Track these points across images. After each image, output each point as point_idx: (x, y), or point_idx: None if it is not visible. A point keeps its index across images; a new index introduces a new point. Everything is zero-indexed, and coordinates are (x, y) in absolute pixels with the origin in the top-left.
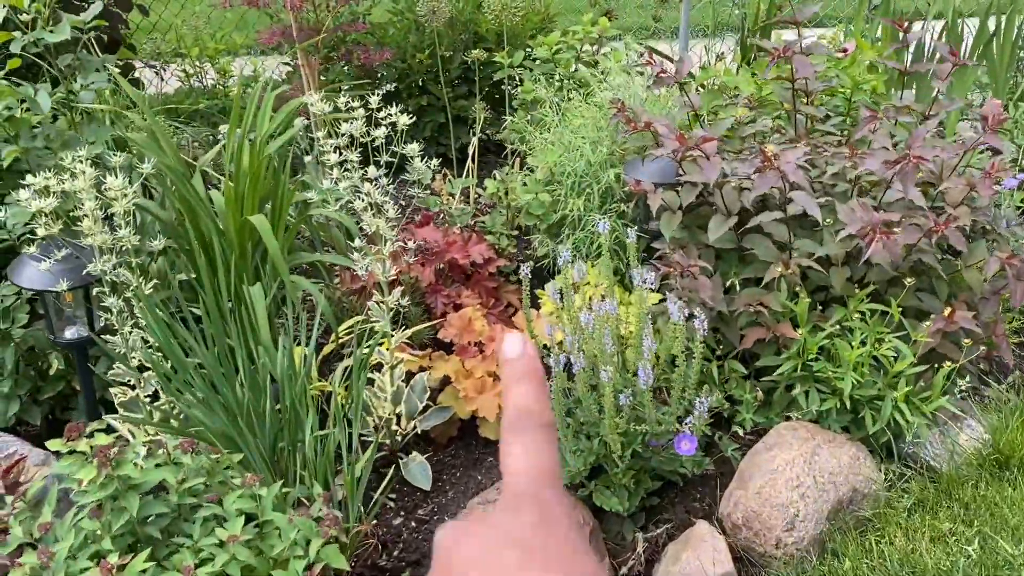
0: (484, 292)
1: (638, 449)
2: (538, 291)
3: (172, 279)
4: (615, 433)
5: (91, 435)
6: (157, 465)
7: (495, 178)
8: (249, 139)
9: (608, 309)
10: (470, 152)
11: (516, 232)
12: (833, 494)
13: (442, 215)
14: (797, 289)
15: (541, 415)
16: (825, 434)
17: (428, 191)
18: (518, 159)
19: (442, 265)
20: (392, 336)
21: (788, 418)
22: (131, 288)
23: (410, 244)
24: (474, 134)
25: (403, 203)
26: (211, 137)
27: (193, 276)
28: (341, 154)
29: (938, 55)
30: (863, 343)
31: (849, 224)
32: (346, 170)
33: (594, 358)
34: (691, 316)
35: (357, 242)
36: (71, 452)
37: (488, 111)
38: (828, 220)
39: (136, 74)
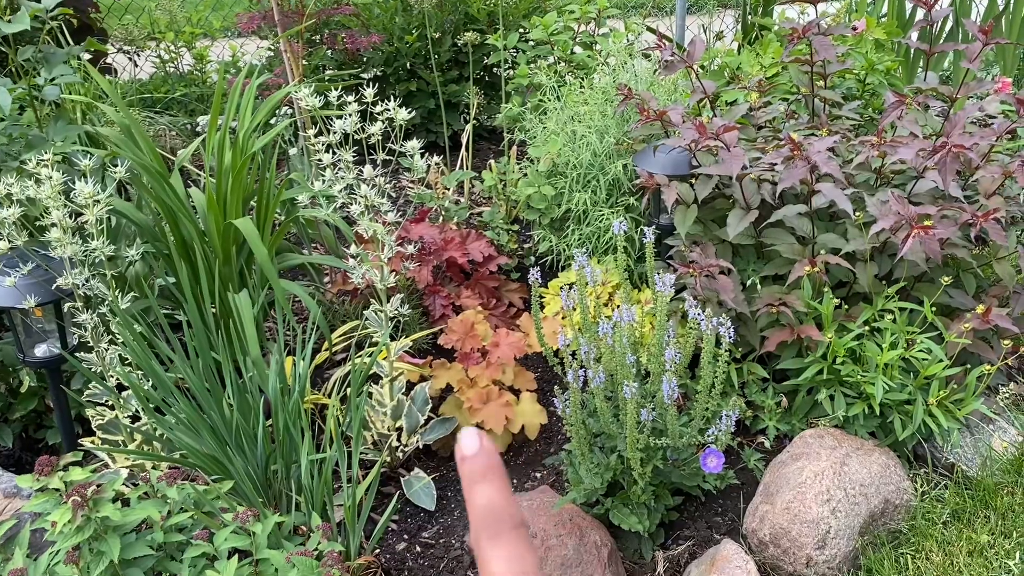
0: (485, 292)
1: (659, 464)
2: (542, 290)
3: (152, 283)
4: (636, 450)
5: (66, 468)
6: (140, 497)
7: (491, 169)
8: (231, 133)
9: (627, 319)
10: (464, 140)
11: (516, 226)
12: (865, 507)
13: (437, 210)
14: (824, 289)
15: (512, 515)
16: (853, 441)
17: (423, 184)
18: (515, 148)
19: (439, 264)
20: (391, 347)
21: (811, 423)
22: (106, 302)
23: (409, 248)
24: (467, 121)
25: (393, 195)
26: (189, 126)
27: (174, 282)
28: (334, 153)
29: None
30: (893, 345)
31: (881, 218)
32: (340, 170)
33: (613, 374)
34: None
35: (352, 248)
36: (43, 489)
37: (481, 96)
38: (858, 214)
39: (109, 59)
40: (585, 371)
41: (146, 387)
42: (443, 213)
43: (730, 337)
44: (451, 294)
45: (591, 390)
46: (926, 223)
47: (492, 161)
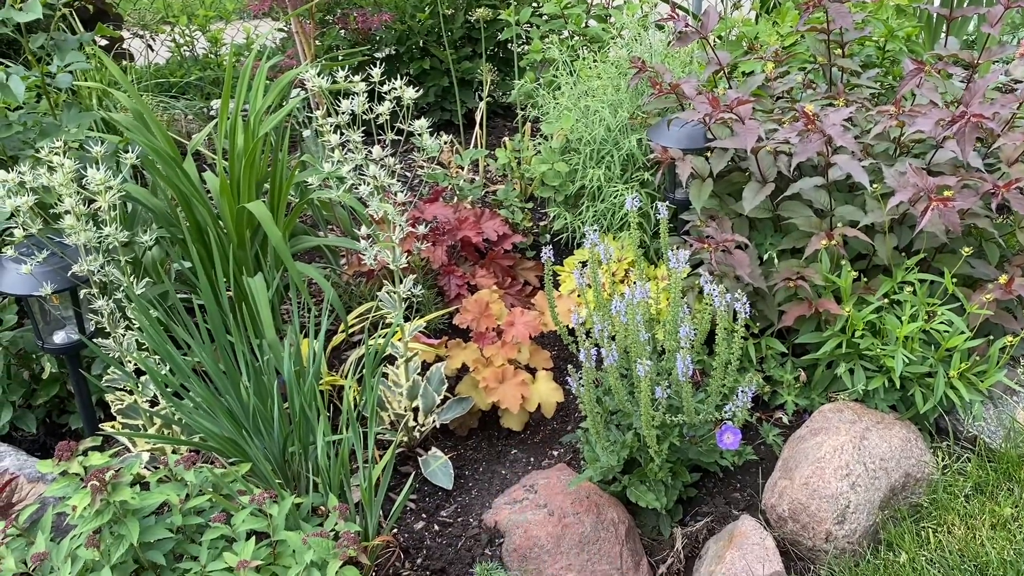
0: (500, 271)
1: (675, 441)
2: (556, 267)
3: (168, 267)
4: (651, 428)
5: (86, 452)
6: (159, 480)
7: (505, 147)
8: (243, 116)
9: (641, 295)
10: (477, 118)
11: (530, 204)
12: (885, 481)
13: (451, 189)
14: (843, 262)
15: None
16: (872, 415)
17: (435, 164)
18: (529, 125)
19: (454, 243)
20: (406, 327)
21: (830, 397)
22: (121, 288)
23: (421, 228)
24: (481, 98)
25: (407, 174)
26: (204, 110)
27: (189, 267)
28: (342, 134)
29: None
30: (914, 317)
31: (899, 190)
32: (349, 151)
33: (627, 348)
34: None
35: (364, 229)
36: (64, 473)
37: (494, 73)
38: (875, 185)
39: (125, 45)
40: (599, 350)
41: (163, 372)
42: (457, 192)
43: (746, 312)
44: (466, 274)
45: (605, 368)
46: (945, 194)
47: (506, 138)
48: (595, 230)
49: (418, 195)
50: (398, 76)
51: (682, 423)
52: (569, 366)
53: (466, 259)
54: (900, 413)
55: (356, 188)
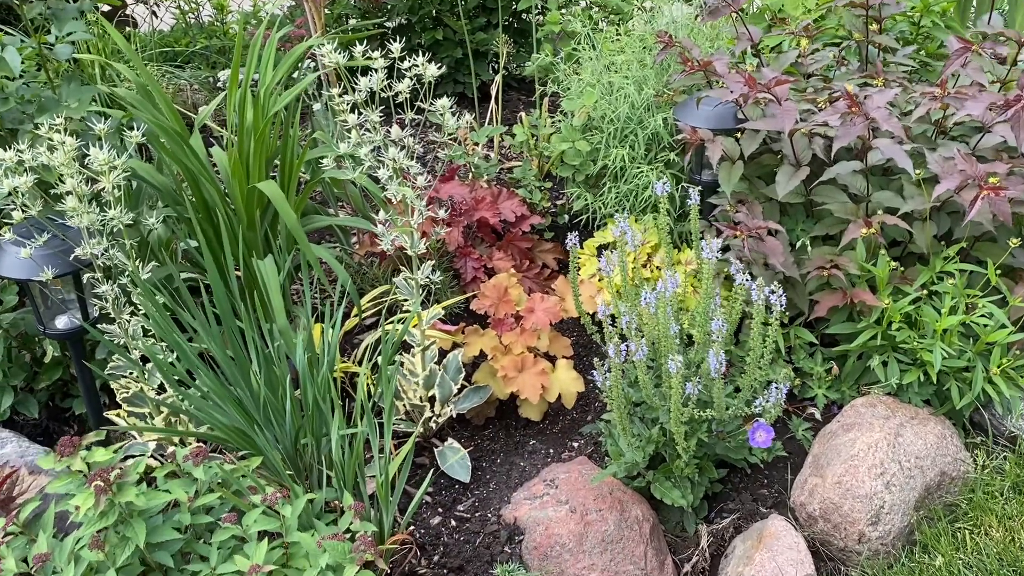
0: (517, 253)
1: (703, 437)
2: (575, 250)
3: (175, 247)
4: (680, 424)
5: (89, 447)
6: (167, 475)
7: (522, 123)
8: (252, 90)
9: (672, 288)
10: (493, 92)
11: (548, 183)
12: (920, 480)
13: (467, 167)
14: (882, 252)
15: None
16: (906, 410)
17: (453, 141)
18: (547, 100)
19: (470, 224)
20: (423, 315)
21: (861, 391)
22: (126, 273)
23: (441, 212)
24: (496, 70)
25: (421, 149)
26: (210, 80)
27: (196, 247)
28: (359, 113)
29: None
30: (954, 310)
31: (944, 177)
32: (366, 130)
33: (655, 341)
34: (766, 290)
35: (381, 214)
36: (67, 469)
37: (510, 45)
38: (919, 172)
39: (128, 11)
40: (627, 344)
41: (171, 359)
42: (472, 170)
43: (781, 306)
44: (483, 256)
45: (633, 362)
46: (994, 181)
47: (523, 114)
48: (625, 218)
49: (430, 170)
50: (414, 48)
51: (711, 418)
52: (594, 356)
53: (482, 240)
54: (935, 408)
55: (374, 170)
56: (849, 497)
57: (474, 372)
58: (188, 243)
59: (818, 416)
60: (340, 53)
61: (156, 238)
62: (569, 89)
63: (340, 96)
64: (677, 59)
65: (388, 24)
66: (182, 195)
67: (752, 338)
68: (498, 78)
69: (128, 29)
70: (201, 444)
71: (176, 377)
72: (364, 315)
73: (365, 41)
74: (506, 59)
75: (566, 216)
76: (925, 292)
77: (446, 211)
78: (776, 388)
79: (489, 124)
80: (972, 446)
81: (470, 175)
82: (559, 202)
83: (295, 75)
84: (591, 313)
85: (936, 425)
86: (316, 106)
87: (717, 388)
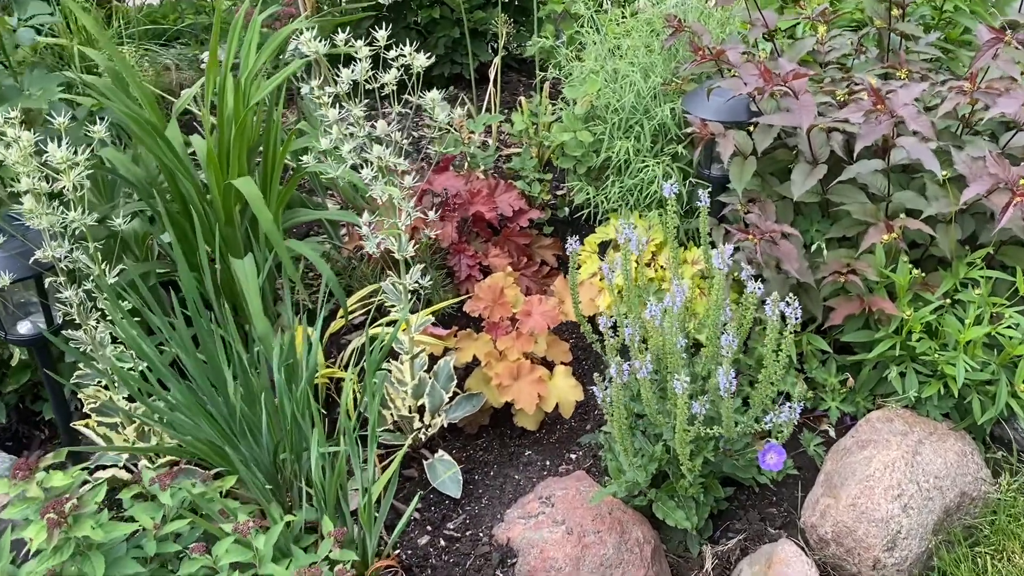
0: (515, 249)
1: (709, 456)
2: (577, 250)
3: (151, 242)
4: (685, 444)
5: (48, 469)
6: (134, 497)
7: (521, 109)
8: (233, 73)
9: (680, 300)
10: (491, 75)
11: (548, 175)
12: (939, 502)
13: (463, 156)
14: (903, 258)
15: None
16: (925, 424)
17: (447, 128)
18: (547, 85)
19: (465, 218)
20: (411, 320)
21: (877, 403)
22: (91, 277)
23: (431, 214)
24: (495, 51)
25: (414, 135)
26: (198, 58)
27: (169, 241)
28: (342, 107)
29: None
30: (978, 320)
31: (973, 180)
32: (350, 125)
33: (660, 353)
34: (778, 301)
35: (365, 215)
36: (22, 494)
37: (510, 24)
38: (945, 172)
39: None
40: (629, 361)
41: (141, 367)
42: (468, 160)
43: (796, 318)
44: (478, 253)
45: (636, 379)
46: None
47: (523, 98)
48: (629, 223)
49: (423, 157)
50: (405, 26)
51: (718, 436)
52: (594, 373)
53: (478, 235)
54: (954, 422)
55: (358, 168)
56: (864, 521)
57: (467, 377)
58: (162, 243)
59: (832, 433)
60: (330, 35)
61: (132, 232)
62: (571, 75)
63: (320, 88)
64: (687, 45)
65: (383, 1)
66: (158, 188)
67: (766, 356)
68: (497, 59)
69: (113, 3)
70: (175, 460)
71: (146, 388)
72: (353, 315)
73: (356, 24)
74: (506, 39)
75: (566, 209)
76: (948, 301)
77: (436, 212)
78: (790, 408)
79: (487, 108)
80: (992, 462)
81: (466, 164)
82: (559, 193)
83: (282, 57)
84: (590, 318)
85: (956, 442)
86: (305, 89)
87: (726, 407)
